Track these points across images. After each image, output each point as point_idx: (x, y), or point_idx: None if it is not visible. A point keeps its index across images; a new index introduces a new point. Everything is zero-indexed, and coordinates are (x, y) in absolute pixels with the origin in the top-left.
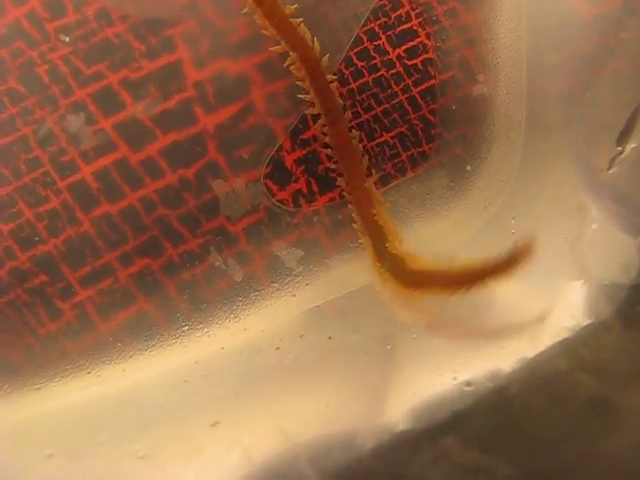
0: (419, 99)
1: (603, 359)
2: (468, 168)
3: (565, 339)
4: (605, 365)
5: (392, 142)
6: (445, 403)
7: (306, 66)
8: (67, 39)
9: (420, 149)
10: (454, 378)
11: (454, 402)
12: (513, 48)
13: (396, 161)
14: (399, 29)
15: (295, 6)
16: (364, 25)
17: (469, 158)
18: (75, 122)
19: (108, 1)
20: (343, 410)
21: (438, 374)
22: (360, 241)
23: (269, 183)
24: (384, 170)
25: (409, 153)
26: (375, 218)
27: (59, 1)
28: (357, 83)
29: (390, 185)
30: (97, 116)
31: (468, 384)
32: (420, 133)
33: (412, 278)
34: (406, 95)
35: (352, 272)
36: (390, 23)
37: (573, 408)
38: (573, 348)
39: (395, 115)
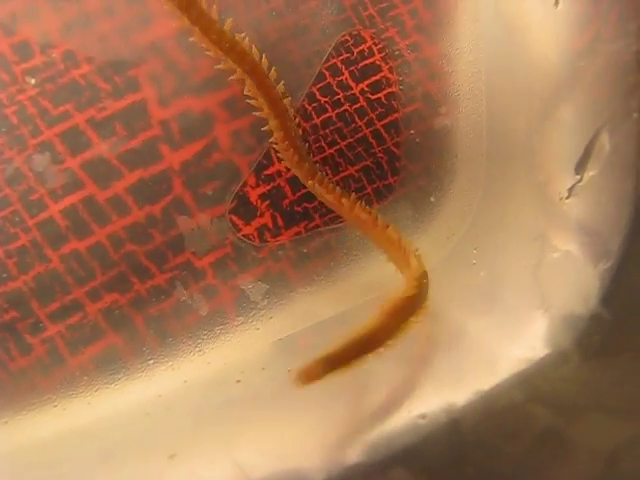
0: (383, 132)
1: (559, 390)
2: (432, 199)
3: (522, 370)
4: (561, 397)
5: (357, 175)
6: (398, 436)
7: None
8: (33, 81)
9: (385, 182)
10: (409, 411)
11: (407, 435)
12: (473, 80)
13: (362, 194)
14: (362, 64)
15: (244, 34)
16: (326, 61)
17: (432, 189)
18: (43, 161)
19: (74, 44)
20: (298, 443)
21: (394, 407)
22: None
23: (234, 218)
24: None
25: (374, 186)
26: None
27: (26, 44)
28: (321, 118)
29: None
30: (64, 155)
31: (423, 417)
32: (385, 166)
33: None
34: (370, 129)
35: (316, 305)
36: (353, 58)
37: (526, 441)
38: (530, 379)
39: (359, 149)
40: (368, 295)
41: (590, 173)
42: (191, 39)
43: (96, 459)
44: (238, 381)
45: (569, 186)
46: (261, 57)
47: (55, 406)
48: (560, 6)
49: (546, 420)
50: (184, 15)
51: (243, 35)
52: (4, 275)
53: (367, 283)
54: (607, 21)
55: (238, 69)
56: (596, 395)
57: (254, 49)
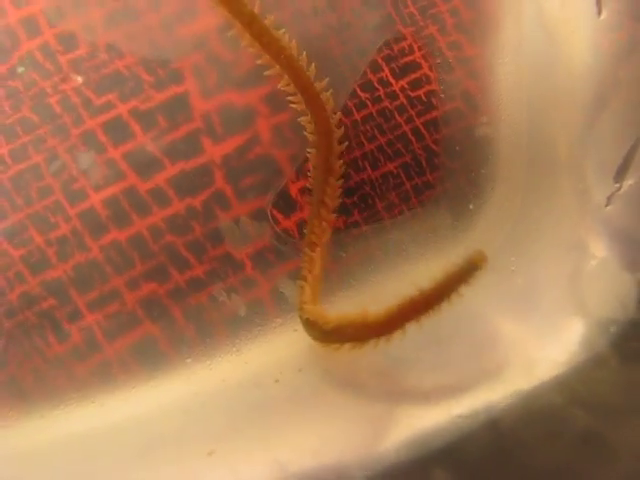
0: (422, 129)
1: (598, 394)
2: (471, 207)
3: (560, 374)
4: (599, 400)
5: (396, 172)
6: (438, 435)
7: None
8: (80, 79)
9: (424, 178)
10: (448, 410)
11: (447, 434)
12: (514, 89)
13: (400, 190)
14: (402, 61)
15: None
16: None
17: (472, 197)
18: (85, 151)
19: (118, 35)
20: (336, 442)
21: (432, 406)
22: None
23: (274, 212)
24: (389, 200)
25: (413, 182)
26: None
27: (71, 35)
28: (361, 114)
29: (394, 220)
30: (107, 145)
31: (462, 416)
32: (424, 163)
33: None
34: (409, 126)
35: (353, 308)
36: (393, 55)
37: (566, 442)
38: (568, 383)
39: (399, 145)
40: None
41: (629, 182)
42: (231, 33)
43: (133, 455)
44: (277, 381)
45: (608, 194)
46: (301, 53)
47: (93, 402)
48: (603, 16)
49: (586, 422)
50: (225, 9)
51: (283, 31)
52: (44, 263)
53: (404, 289)
54: None
55: (276, 64)
56: (634, 398)
57: (293, 45)
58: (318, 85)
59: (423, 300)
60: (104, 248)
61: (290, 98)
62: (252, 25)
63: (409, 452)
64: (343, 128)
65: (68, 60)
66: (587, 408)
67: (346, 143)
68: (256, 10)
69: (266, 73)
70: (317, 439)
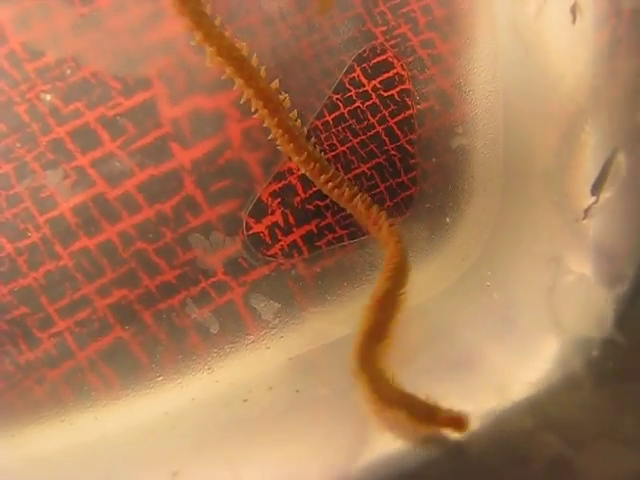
0: (396, 130)
1: (570, 417)
2: (447, 220)
3: (533, 395)
4: (571, 423)
5: (370, 173)
6: (403, 458)
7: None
8: (48, 97)
9: (398, 180)
10: (415, 433)
11: (412, 458)
12: (490, 100)
13: (374, 192)
14: (374, 61)
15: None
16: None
17: (448, 210)
18: (53, 159)
19: (84, 42)
20: (303, 464)
21: (399, 429)
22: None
23: (245, 216)
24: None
25: (387, 184)
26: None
27: (37, 42)
28: (332, 115)
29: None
30: (75, 153)
31: (428, 440)
32: (398, 163)
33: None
34: (383, 126)
35: (326, 325)
36: (365, 55)
37: (535, 469)
38: (540, 405)
39: (372, 146)
40: None
41: (606, 194)
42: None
43: (101, 475)
44: (245, 400)
45: (585, 207)
46: (263, 63)
47: (62, 420)
48: (578, 24)
49: (555, 447)
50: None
51: (243, 43)
52: (14, 271)
53: None
54: (624, 40)
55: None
56: (608, 423)
57: (255, 60)
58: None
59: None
60: (74, 255)
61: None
62: (211, 35)
63: (374, 475)
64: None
65: (35, 68)
66: (558, 432)
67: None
68: (216, 20)
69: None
70: (284, 459)
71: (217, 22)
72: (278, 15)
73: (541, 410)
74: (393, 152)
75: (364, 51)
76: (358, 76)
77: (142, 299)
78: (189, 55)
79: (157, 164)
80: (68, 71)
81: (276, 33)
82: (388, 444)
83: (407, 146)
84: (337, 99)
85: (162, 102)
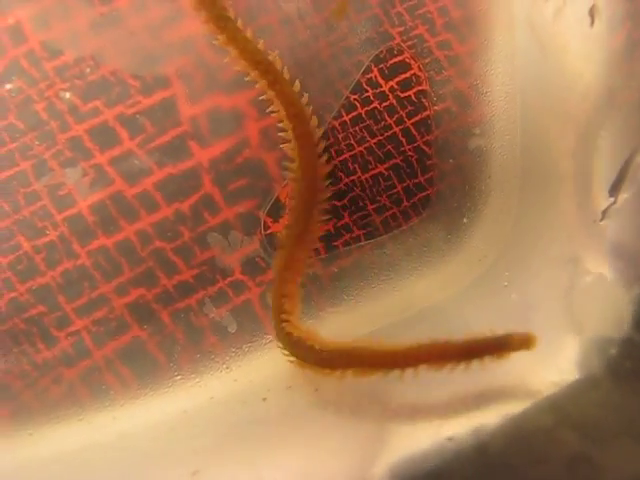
0: (413, 130)
1: (589, 415)
2: (465, 220)
3: (552, 394)
4: (591, 422)
5: (387, 174)
6: (426, 458)
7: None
8: (67, 96)
9: (416, 180)
10: (437, 433)
11: (435, 457)
12: (507, 101)
13: (392, 192)
14: (391, 62)
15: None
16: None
17: (465, 210)
18: (71, 157)
19: (103, 41)
20: (323, 464)
21: (422, 429)
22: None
23: (263, 215)
24: (379, 203)
25: (404, 184)
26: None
27: (57, 41)
28: (350, 116)
29: (389, 234)
30: (94, 151)
31: (450, 439)
32: (415, 164)
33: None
34: (400, 127)
35: (344, 324)
36: (382, 56)
37: (555, 466)
38: (560, 404)
39: (389, 147)
40: (397, 315)
41: (624, 195)
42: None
43: (120, 473)
44: (264, 399)
45: (603, 208)
46: (285, 63)
47: (81, 419)
48: (595, 26)
49: (575, 445)
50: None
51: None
52: (32, 270)
53: (396, 304)
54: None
55: (259, 77)
56: (626, 420)
57: (277, 59)
58: (301, 98)
59: (446, 349)
60: (92, 254)
61: (273, 113)
62: (233, 35)
63: (395, 474)
64: (323, 143)
65: (54, 67)
66: (577, 430)
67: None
68: (237, 20)
69: (247, 79)
70: (304, 459)
71: (239, 24)
72: (296, 15)
73: (560, 409)
74: (410, 153)
75: (381, 52)
76: (375, 77)
77: (160, 298)
78: (208, 54)
79: (175, 162)
80: (87, 70)
81: (294, 33)
82: (409, 444)
83: (424, 147)
84: (354, 99)
85: (181, 101)
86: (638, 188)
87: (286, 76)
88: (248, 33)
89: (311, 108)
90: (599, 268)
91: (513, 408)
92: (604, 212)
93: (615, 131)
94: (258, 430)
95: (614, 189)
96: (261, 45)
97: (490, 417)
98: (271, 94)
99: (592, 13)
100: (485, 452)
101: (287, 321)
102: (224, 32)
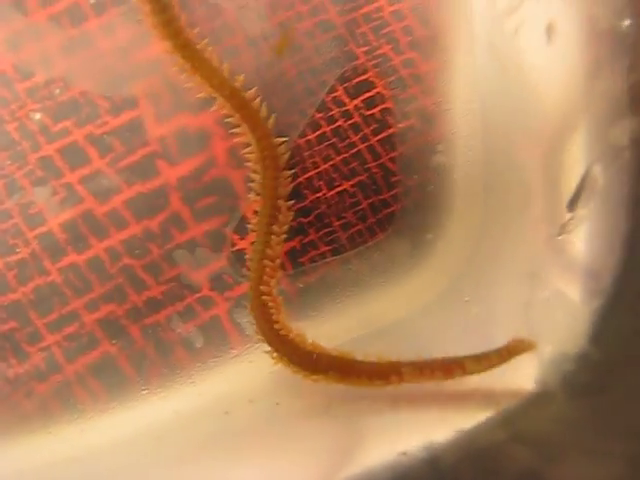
0: (378, 148)
1: (541, 431)
2: (429, 236)
3: (507, 409)
4: (543, 437)
5: (352, 190)
6: (379, 472)
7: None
8: (37, 116)
9: (381, 197)
10: (391, 448)
11: (388, 471)
12: (469, 118)
13: (357, 209)
14: (356, 80)
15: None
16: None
17: (430, 226)
18: (42, 176)
19: (73, 62)
20: (284, 475)
21: (378, 443)
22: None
23: (230, 232)
24: (345, 219)
25: (370, 201)
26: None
27: (28, 63)
28: (315, 134)
29: (354, 250)
30: (64, 170)
31: (404, 453)
32: (380, 181)
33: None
34: (365, 144)
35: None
36: (347, 75)
37: None
38: (513, 419)
39: (354, 164)
40: (360, 331)
41: (582, 211)
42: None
43: None
44: (226, 413)
45: (562, 223)
46: (246, 82)
47: (49, 432)
48: (553, 44)
49: (526, 460)
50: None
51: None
52: (4, 286)
53: (360, 319)
54: (599, 59)
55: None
56: (578, 436)
57: (240, 78)
58: (267, 121)
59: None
60: (63, 271)
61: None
62: (199, 63)
63: None
64: (288, 154)
65: (25, 88)
66: (529, 445)
67: (293, 171)
68: (202, 45)
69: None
70: (264, 472)
71: (204, 50)
72: (261, 36)
73: (513, 424)
74: (375, 170)
75: (346, 71)
76: (340, 95)
77: (129, 314)
78: (175, 75)
79: (144, 181)
80: (57, 91)
81: (259, 54)
82: (365, 458)
83: (389, 164)
84: (320, 118)
85: (149, 121)
86: (596, 204)
87: (251, 99)
88: (213, 57)
89: (277, 127)
90: (558, 283)
91: (467, 423)
92: (563, 227)
93: (575, 147)
94: (221, 443)
95: (573, 204)
96: (226, 70)
97: (443, 432)
98: (237, 117)
99: (549, 31)
100: (437, 466)
101: (277, 322)
102: (189, 61)
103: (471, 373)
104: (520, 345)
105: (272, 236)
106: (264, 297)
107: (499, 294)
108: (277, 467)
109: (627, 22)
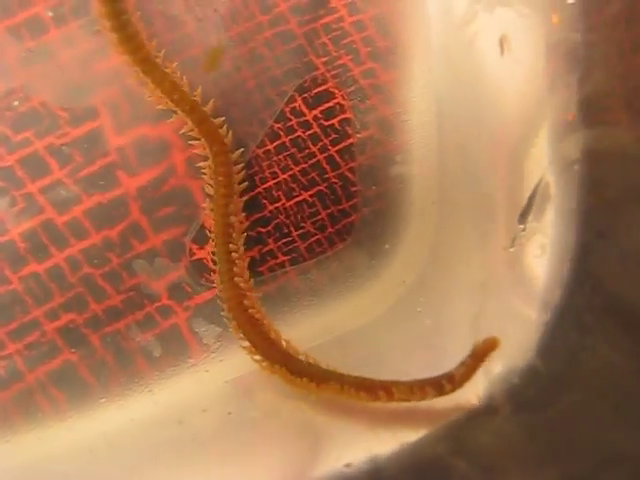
0: (337, 158)
1: (483, 444)
2: (387, 247)
3: (451, 423)
4: (484, 450)
5: (311, 200)
6: None
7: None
8: None
9: (340, 207)
10: (337, 458)
11: None
12: (425, 130)
13: (316, 219)
14: (315, 91)
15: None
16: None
17: (388, 236)
18: (3, 186)
19: (33, 73)
20: None
21: (324, 454)
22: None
23: (188, 242)
24: (304, 229)
25: (329, 211)
26: (249, 311)
27: None
28: (274, 144)
29: (313, 260)
30: (25, 180)
31: (348, 465)
32: (339, 191)
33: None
34: (324, 154)
35: None
36: (306, 85)
37: None
38: (456, 432)
39: (313, 174)
40: (318, 340)
41: (534, 224)
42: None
43: None
44: (180, 422)
45: (514, 235)
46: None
47: (8, 441)
48: (507, 55)
49: (465, 473)
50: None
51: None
52: None
53: (317, 329)
54: (554, 71)
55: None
56: (518, 451)
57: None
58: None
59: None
60: (23, 279)
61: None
62: (158, 78)
63: None
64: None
65: None
66: (468, 458)
67: (246, 183)
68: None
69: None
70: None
71: (163, 64)
72: (220, 47)
73: (456, 437)
74: (334, 180)
75: (305, 81)
76: (299, 106)
77: (89, 323)
78: (134, 86)
79: (104, 191)
80: (16, 102)
81: (219, 64)
82: (312, 466)
83: (348, 174)
84: (278, 128)
85: (108, 131)
86: (545, 218)
87: (210, 115)
88: (173, 72)
89: (235, 137)
90: (508, 296)
91: (411, 436)
92: (514, 240)
93: (526, 161)
94: (173, 451)
95: (523, 216)
96: (186, 84)
97: (388, 444)
98: (196, 132)
99: (502, 43)
100: (378, 478)
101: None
102: (149, 75)
103: (447, 393)
104: (485, 346)
105: (232, 254)
106: (250, 310)
107: (451, 305)
108: (227, 475)
109: (578, 36)
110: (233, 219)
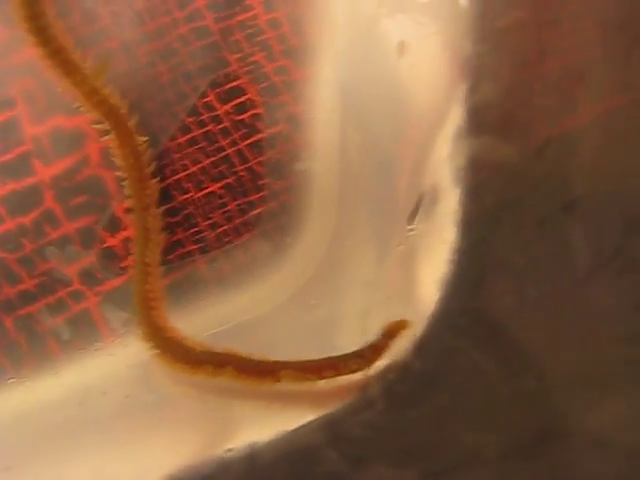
0: (246, 152)
1: (355, 436)
2: (288, 240)
3: (329, 413)
4: (355, 442)
5: (220, 192)
6: (202, 467)
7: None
8: None
9: (247, 199)
10: (222, 445)
11: (210, 466)
12: (328, 128)
13: (225, 210)
14: (227, 86)
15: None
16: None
17: (290, 229)
18: None
19: None
20: (119, 467)
21: (208, 438)
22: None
23: (100, 230)
24: (213, 220)
25: (237, 203)
26: (149, 294)
27: None
28: (185, 137)
29: (221, 250)
30: None
31: (229, 450)
32: (247, 184)
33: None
34: (234, 148)
35: None
36: (219, 81)
37: None
38: (331, 423)
39: (223, 167)
40: (220, 327)
41: (420, 225)
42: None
43: None
44: (80, 404)
45: (401, 235)
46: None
47: None
48: (406, 61)
49: (335, 464)
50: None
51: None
52: None
53: (221, 316)
54: (452, 80)
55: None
56: (384, 445)
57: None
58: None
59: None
60: None
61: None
62: (71, 71)
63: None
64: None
65: None
66: (340, 450)
67: (157, 178)
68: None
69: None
70: (104, 461)
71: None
72: (134, 42)
73: (331, 428)
74: (242, 173)
75: (218, 77)
76: (212, 100)
77: (3, 305)
78: (51, 77)
79: (19, 179)
80: None
81: (135, 57)
82: (189, 451)
83: (257, 167)
84: (190, 122)
85: (24, 121)
86: (431, 219)
87: (121, 106)
88: (86, 64)
89: (148, 130)
90: (391, 291)
91: (290, 425)
92: (402, 239)
93: (416, 163)
94: (71, 433)
95: (411, 218)
96: (99, 79)
97: (268, 431)
98: (106, 125)
99: (400, 49)
100: (254, 464)
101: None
102: (61, 67)
103: (356, 370)
104: (395, 326)
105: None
106: (149, 294)
107: (343, 300)
108: (118, 456)
109: (470, 46)
110: (152, 211)
